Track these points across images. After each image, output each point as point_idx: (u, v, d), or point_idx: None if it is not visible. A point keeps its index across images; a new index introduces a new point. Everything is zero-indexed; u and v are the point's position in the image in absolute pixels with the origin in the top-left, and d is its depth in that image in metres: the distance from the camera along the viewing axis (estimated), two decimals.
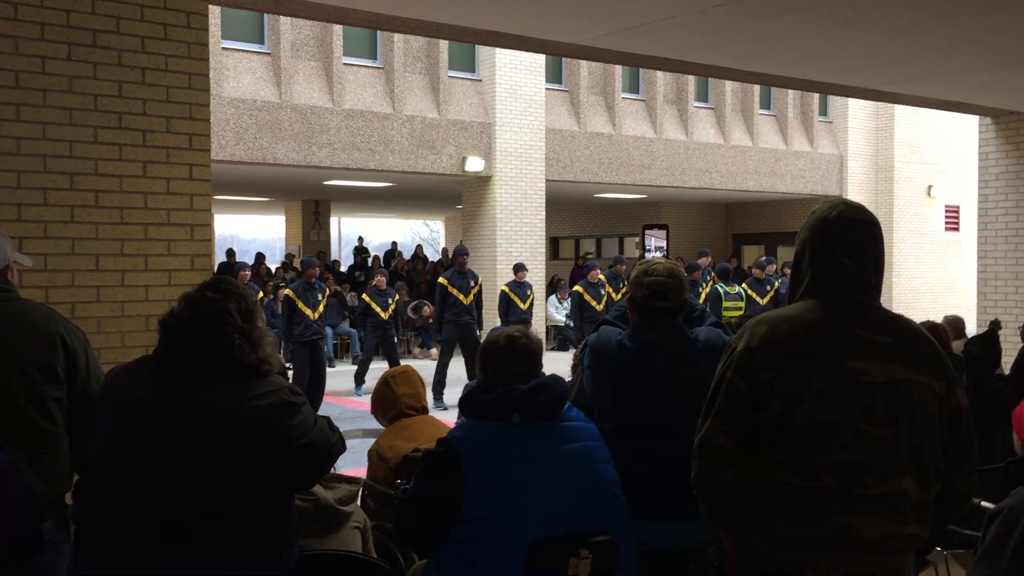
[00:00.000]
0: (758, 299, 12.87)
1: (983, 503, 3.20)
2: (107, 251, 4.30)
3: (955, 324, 6.62)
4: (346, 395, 11.79)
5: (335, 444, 2.52)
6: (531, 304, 12.13)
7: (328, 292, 11.58)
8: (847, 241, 2.32)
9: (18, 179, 4.10)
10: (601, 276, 12.88)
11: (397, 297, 12.88)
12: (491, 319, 13.78)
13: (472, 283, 11.29)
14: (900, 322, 2.33)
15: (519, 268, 12.25)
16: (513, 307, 11.86)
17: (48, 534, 2.75)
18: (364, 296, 12.19)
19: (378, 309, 11.85)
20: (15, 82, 4.09)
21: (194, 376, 2.34)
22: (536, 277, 15.34)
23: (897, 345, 2.25)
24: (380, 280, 12.23)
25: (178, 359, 2.36)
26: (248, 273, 13.35)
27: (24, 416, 2.73)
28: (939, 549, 3.90)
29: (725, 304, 12.19)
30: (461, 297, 11.10)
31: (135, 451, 2.33)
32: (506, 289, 12.01)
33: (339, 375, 13.36)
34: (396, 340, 12.80)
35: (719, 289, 12.41)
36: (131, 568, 2.30)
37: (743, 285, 13.08)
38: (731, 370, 2.29)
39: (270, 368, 2.43)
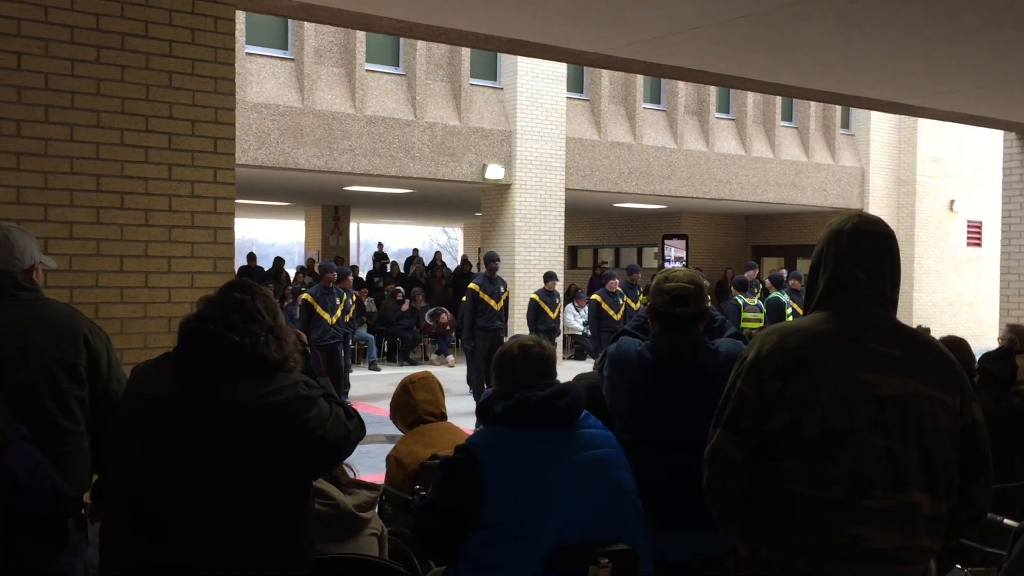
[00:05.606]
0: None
1: (1006, 520, 3.17)
2: (131, 252, 4.34)
3: (1021, 332, 6.10)
4: (363, 400, 11.80)
5: (353, 431, 2.54)
6: (559, 313, 12.25)
7: (354, 297, 11.55)
8: (861, 253, 2.31)
9: (45, 180, 4.15)
10: (619, 287, 12.88)
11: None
12: (518, 327, 13.77)
13: (502, 289, 11.33)
14: (913, 336, 2.31)
15: (550, 277, 12.28)
16: (543, 315, 11.90)
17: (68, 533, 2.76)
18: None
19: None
20: (44, 84, 4.13)
21: (216, 375, 2.37)
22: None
23: (908, 358, 2.24)
24: None
25: (202, 358, 2.38)
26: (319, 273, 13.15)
27: (46, 415, 2.75)
28: (959, 567, 3.85)
29: (744, 315, 12.14)
30: (492, 303, 11.12)
31: (158, 450, 2.35)
32: (536, 297, 12.04)
33: (355, 380, 13.36)
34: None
35: (738, 300, 12.35)
36: (155, 565, 2.32)
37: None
38: (741, 380, 2.31)
39: (294, 366, 2.48)
